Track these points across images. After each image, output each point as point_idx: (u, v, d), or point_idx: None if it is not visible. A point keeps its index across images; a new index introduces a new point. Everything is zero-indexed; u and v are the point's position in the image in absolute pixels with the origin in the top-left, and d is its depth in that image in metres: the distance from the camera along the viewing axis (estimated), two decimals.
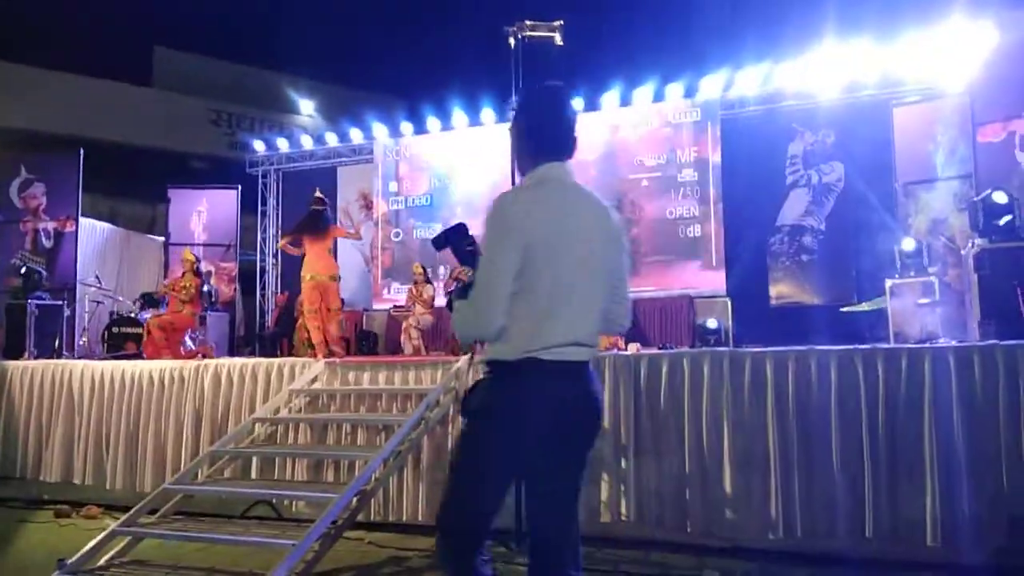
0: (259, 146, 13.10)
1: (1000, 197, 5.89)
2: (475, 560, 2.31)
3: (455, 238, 2.50)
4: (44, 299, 9.39)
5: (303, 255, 7.19)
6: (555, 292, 2.21)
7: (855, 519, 4.55)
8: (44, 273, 9.71)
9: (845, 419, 4.67)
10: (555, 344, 2.21)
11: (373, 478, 5.06)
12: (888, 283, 6.94)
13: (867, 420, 4.62)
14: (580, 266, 2.25)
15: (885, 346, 4.97)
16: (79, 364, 6.76)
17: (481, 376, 2.35)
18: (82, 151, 10.82)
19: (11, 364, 7.11)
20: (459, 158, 11.57)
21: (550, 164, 2.34)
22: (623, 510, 5.03)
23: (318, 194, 7.49)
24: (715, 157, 10.10)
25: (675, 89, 10.45)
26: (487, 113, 11.30)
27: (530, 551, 2.43)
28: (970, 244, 6.20)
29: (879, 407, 4.62)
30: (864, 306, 7.85)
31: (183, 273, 8.54)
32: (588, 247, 2.27)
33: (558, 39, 5.54)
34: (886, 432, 4.58)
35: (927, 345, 4.90)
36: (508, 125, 2.57)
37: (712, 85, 10.20)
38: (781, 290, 9.67)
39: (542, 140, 2.37)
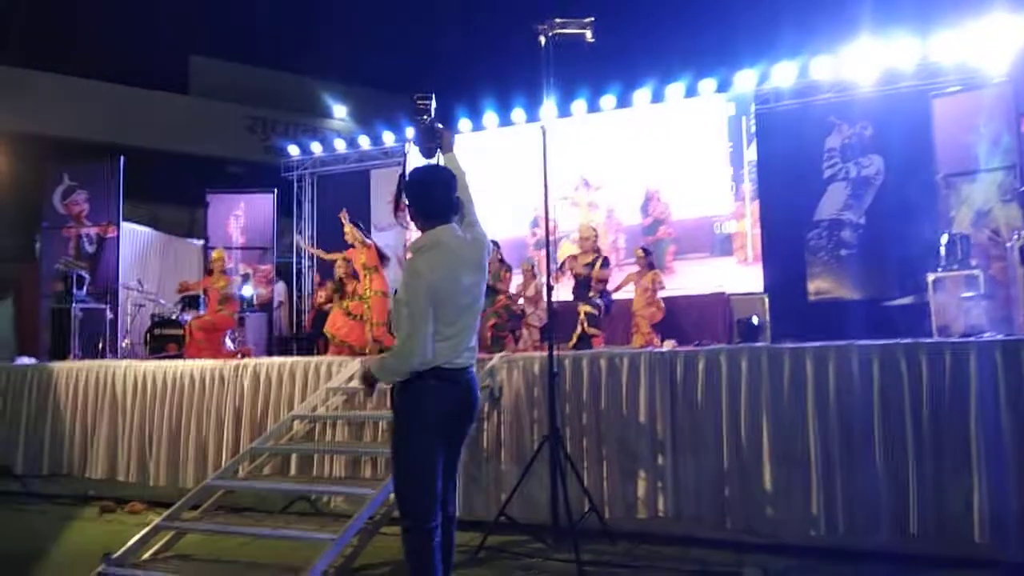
0: (293, 150, 13.27)
1: None
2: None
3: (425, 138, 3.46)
4: (88, 303, 9.62)
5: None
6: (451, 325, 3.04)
7: (899, 515, 4.47)
8: (87, 278, 9.94)
9: (888, 415, 4.58)
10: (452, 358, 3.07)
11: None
12: (930, 277, 6.80)
13: (911, 415, 4.53)
14: (466, 307, 3.10)
15: (928, 340, 4.86)
16: (122, 365, 6.91)
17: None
18: (122, 158, 11.05)
19: (57, 365, 7.29)
20: (490, 157, 11.57)
21: (441, 227, 3.09)
22: (660, 506, 4.99)
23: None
24: (750, 152, 9.98)
25: (708, 84, 10.35)
26: (518, 113, 11.30)
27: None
28: (1016, 236, 6.05)
29: (923, 402, 4.52)
30: (907, 299, 7.68)
31: (212, 272, 8.71)
32: (471, 292, 3.12)
33: (589, 36, 5.49)
34: (930, 427, 4.48)
35: (972, 339, 4.79)
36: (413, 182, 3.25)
37: (746, 79, 10.09)
38: (820, 285, 9.52)
39: (432, 210, 3.13)
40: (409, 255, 3.15)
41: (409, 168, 3.59)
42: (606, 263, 7.99)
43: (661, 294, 8.61)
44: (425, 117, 3.73)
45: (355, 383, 3.10)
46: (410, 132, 11.84)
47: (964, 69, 8.86)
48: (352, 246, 7.77)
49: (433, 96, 3.75)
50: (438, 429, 3.07)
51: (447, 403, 3.06)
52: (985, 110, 8.20)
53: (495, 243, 8.02)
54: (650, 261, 8.77)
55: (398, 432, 3.12)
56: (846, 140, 9.60)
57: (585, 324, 7.59)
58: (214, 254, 9.10)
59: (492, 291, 7.95)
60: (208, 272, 9.06)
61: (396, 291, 3.23)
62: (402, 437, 3.10)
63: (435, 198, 3.14)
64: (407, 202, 3.24)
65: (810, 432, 4.71)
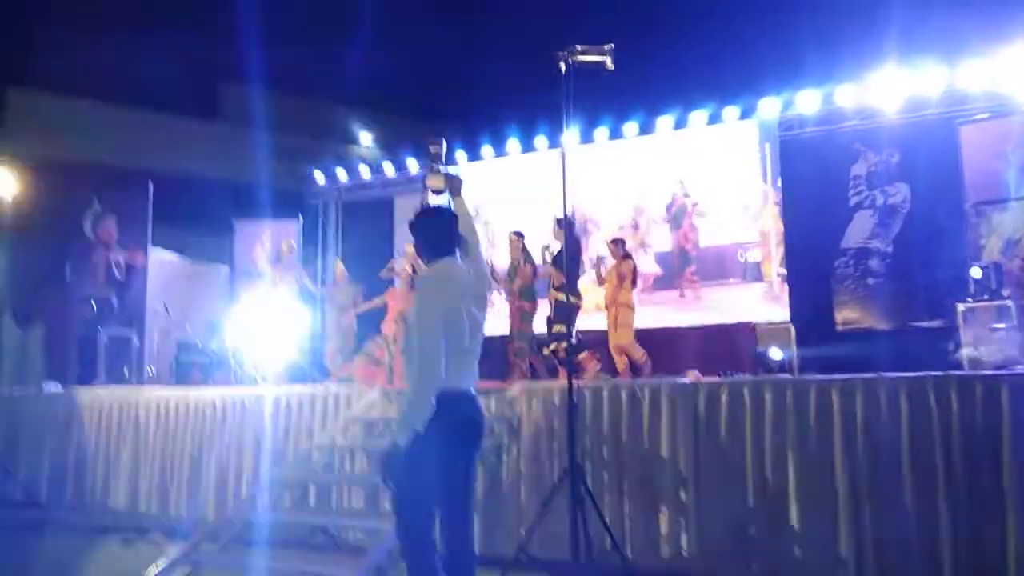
0: (319, 177, 13.40)
1: None
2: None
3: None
4: (115, 329, 9.73)
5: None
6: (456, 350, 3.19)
7: (932, 558, 4.33)
8: (116, 304, 10.06)
9: (917, 451, 4.47)
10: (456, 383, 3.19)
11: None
12: (960, 307, 6.65)
13: (941, 452, 4.41)
14: (471, 332, 3.26)
15: (959, 373, 4.74)
16: (145, 392, 6.96)
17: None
18: (151, 184, 11.21)
19: (81, 393, 7.36)
20: (512, 184, 11.59)
21: (446, 259, 3.32)
22: (684, 544, 4.89)
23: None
24: (775, 179, 9.89)
25: (732, 111, 10.31)
26: (540, 140, 11.33)
27: None
28: None
29: (953, 438, 4.40)
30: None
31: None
32: (475, 320, 3.29)
33: (609, 63, 5.47)
34: (962, 464, 4.36)
35: (1004, 372, 4.66)
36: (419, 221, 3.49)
37: (770, 106, 10.03)
38: (847, 315, 9.36)
39: (436, 246, 3.36)
40: (417, 285, 3.47)
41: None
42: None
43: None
44: (437, 165, 3.92)
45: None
46: (412, 164, 11.97)
47: (992, 96, 8.74)
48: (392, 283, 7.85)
49: (444, 141, 3.95)
50: (442, 453, 3.10)
51: (452, 426, 3.12)
52: (1014, 137, 8.08)
53: (519, 233, 7.96)
54: (625, 252, 8.11)
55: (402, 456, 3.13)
56: (872, 168, 9.48)
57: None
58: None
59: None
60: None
61: (407, 318, 3.36)
62: (405, 461, 3.08)
63: (439, 234, 3.39)
64: (414, 238, 3.50)
65: (837, 469, 4.60)
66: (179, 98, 18.06)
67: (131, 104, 17.39)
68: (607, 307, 7.77)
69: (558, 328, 7.11)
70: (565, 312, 6.98)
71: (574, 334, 6.89)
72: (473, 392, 3.31)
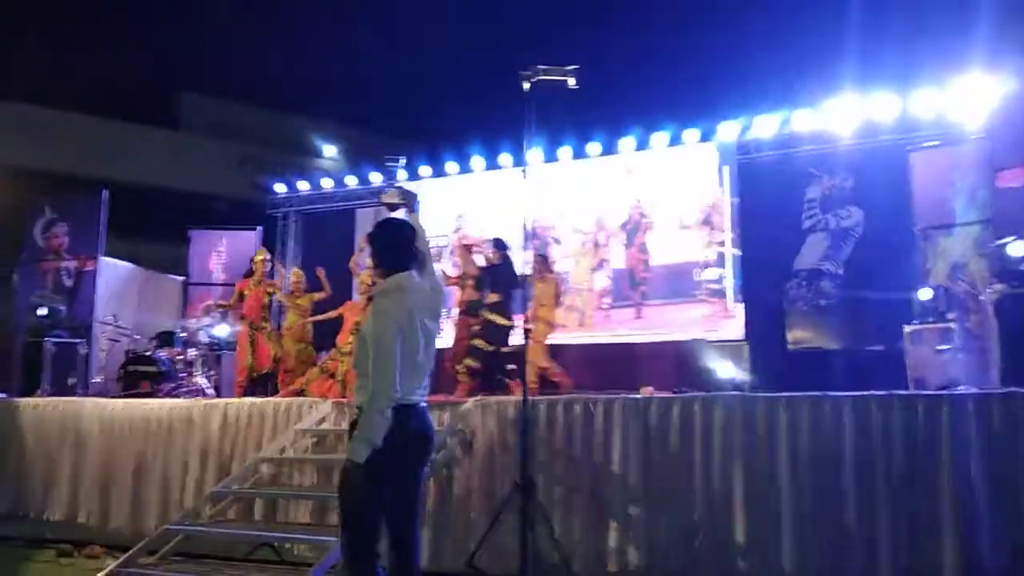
0: (280, 188, 13.26)
1: (1016, 249, 5.81)
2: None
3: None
4: (62, 337, 9.48)
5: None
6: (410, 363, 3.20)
7: (872, 571, 4.38)
8: (63, 311, 9.82)
9: (861, 468, 4.54)
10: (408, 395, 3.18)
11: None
12: (906, 329, 6.80)
13: (883, 469, 4.49)
14: (425, 347, 3.28)
15: (902, 392, 4.83)
16: (88, 402, 6.79)
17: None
18: (106, 192, 11.01)
19: (22, 402, 7.15)
20: (477, 200, 11.63)
21: (403, 274, 3.31)
22: (631, 558, 4.89)
23: None
24: (731, 201, 10.05)
25: (692, 134, 10.46)
26: (505, 157, 11.37)
27: None
28: (990, 290, 6.07)
29: (896, 456, 4.48)
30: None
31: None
32: (428, 334, 3.31)
33: (571, 83, 5.56)
34: (903, 481, 4.44)
35: (945, 392, 4.76)
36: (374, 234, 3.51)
37: (729, 130, 10.20)
38: (799, 335, 9.50)
39: (394, 259, 3.36)
40: (375, 298, 3.34)
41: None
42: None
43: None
44: (394, 183, 4.06)
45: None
46: (377, 177, 11.94)
47: (941, 124, 8.98)
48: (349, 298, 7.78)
49: (401, 159, 4.11)
50: (391, 465, 3.11)
51: (403, 438, 3.12)
52: (962, 165, 8.30)
53: (468, 247, 7.97)
54: (547, 268, 8.05)
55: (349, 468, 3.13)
56: (826, 191, 9.67)
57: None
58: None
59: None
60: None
61: (360, 330, 3.34)
62: (353, 473, 3.08)
63: (397, 248, 3.39)
64: (371, 251, 3.50)
65: (783, 484, 4.65)
66: (137, 106, 17.86)
67: (86, 110, 17.13)
68: (526, 322, 7.75)
69: (479, 344, 7.10)
70: (492, 331, 7.04)
71: (499, 352, 7.04)
72: (424, 405, 3.31)
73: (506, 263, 7.37)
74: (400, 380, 3.11)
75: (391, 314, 3.18)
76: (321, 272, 8.59)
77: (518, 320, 7.11)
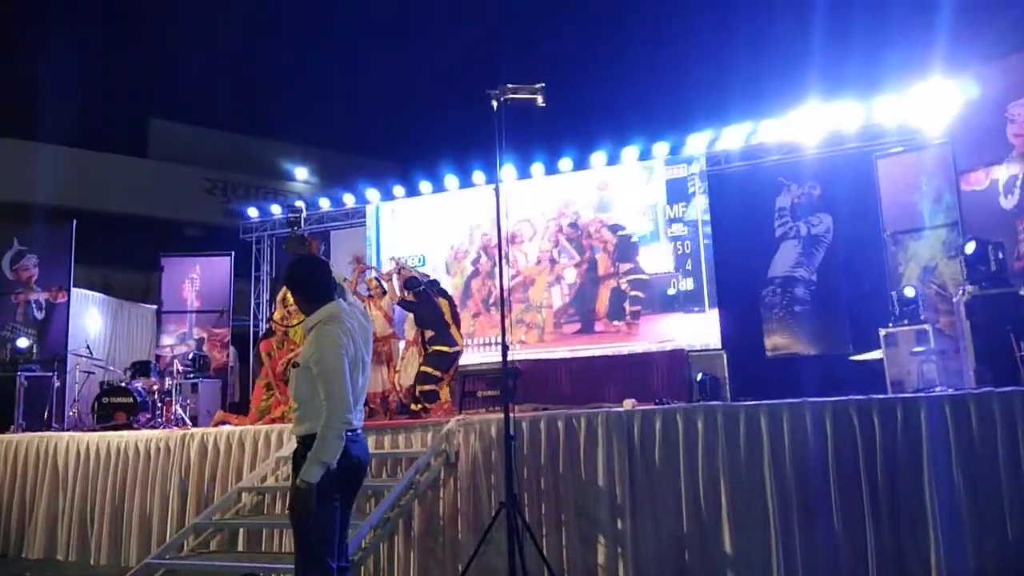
0: (253, 212, 13.18)
1: (969, 248, 5.97)
2: None
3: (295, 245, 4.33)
4: (34, 371, 9.31)
5: None
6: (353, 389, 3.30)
7: (859, 575, 4.41)
8: (35, 345, 9.65)
9: (843, 472, 4.58)
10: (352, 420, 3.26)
11: (362, 546, 4.92)
12: (882, 332, 6.90)
13: (866, 473, 4.53)
14: (363, 372, 3.40)
15: (880, 396, 4.89)
16: (64, 436, 6.66)
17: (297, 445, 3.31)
18: (75, 222, 10.87)
19: None
20: (449, 219, 11.65)
21: (332, 303, 3.40)
22: (621, 573, 4.88)
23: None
24: (704, 212, 10.15)
25: (662, 147, 10.57)
26: (477, 175, 11.40)
27: None
28: (961, 291, 6.19)
29: (877, 459, 4.53)
30: (873, 354, 7.71)
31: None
32: (364, 359, 3.42)
33: (540, 101, 5.58)
34: (885, 484, 4.48)
35: (922, 394, 4.83)
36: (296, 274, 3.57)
37: (698, 142, 10.33)
38: (776, 341, 9.61)
39: (318, 293, 3.44)
40: (315, 328, 3.37)
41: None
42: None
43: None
44: (296, 228, 4.83)
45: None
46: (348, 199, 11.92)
47: (905, 130, 9.17)
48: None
49: (303, 210, 4.63)
50: (340, 485, 3.25)
51: (346, 460, 3.21)
52: (927, 170, 8.47)
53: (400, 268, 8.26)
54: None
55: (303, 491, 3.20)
56: (796, 200, 9.82)
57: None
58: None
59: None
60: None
61: (296, 363, 3.39)
62: (308, 493, 3.14)
63: (318, 282, 3.48)
64: (293, 291, 3.57)
65: (768, 491, 4.67)
66: (104, 134, 17.68)
67: (52, 140, 16.92)
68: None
69: (429, 370, 7.33)
70: (434, 358, 7.37)
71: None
72: (361, 431, 3.41)
73: (423, 299, 7.56)
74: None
75: (340, 341, 3.25)
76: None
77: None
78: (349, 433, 3.22)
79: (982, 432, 4.38)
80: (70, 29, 16.89)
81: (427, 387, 7.26)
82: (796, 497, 4.61)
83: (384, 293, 8.23)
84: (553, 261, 10.90)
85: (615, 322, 10.34)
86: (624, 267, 10.47)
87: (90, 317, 11.69)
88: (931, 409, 4.49)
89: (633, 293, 10.32)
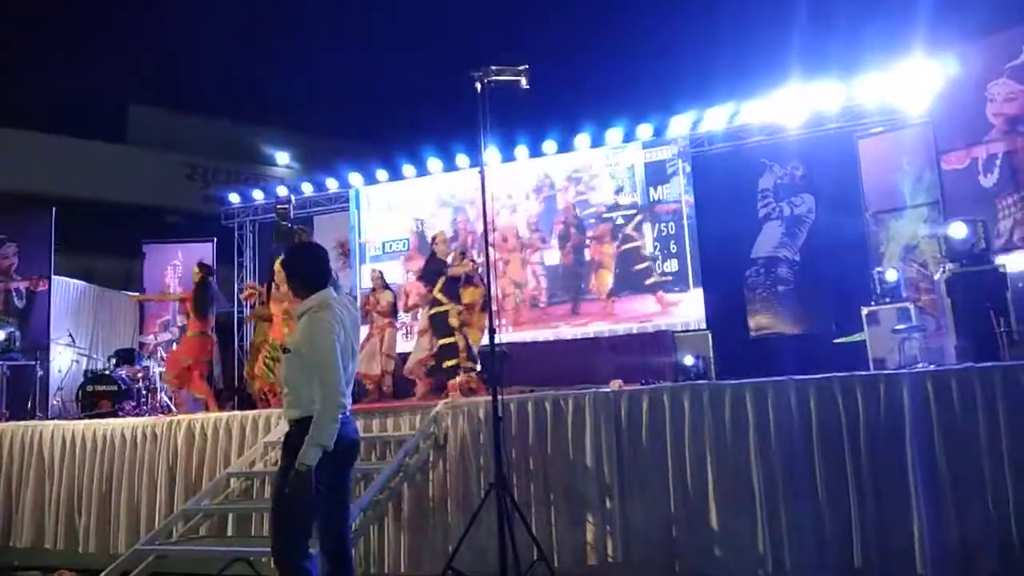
0: (234, 198, 13.07)
1: (958, 230, 6.01)
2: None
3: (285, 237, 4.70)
4: (17, 360, 9.23)
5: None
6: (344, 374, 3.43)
7: (844, 550, 4.49)
8: (17, 333, 9.56)
9: (827, 449, 4.64)
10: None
11: (352, 529, 4.93)
12: (864, 310, 6.97)
13: (850, 449, 4.59)
14: (352, 356, 3.54)
15: (863, 373, 4.95)
16: (49, 425, 6.62)
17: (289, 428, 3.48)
18: (55, 210, 10.74)
19: None
20: (434, 202, 11.62)
21: (323, 291, 3.53)
22: (610, 551, 4.93)
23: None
24: (687, 194, 10.19)
25: (645, 129, 10.58)
26: (461, 158, 11.37)
27: None
28: (942, 269, 6.27)
29: (860, 435, 4.59)
30: (857, 336, 7.80)
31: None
32: (353, 345, 3.57)
33: (524, 83, 5.56)
34: (869, 460, 4.55)
35: (904, 371, 4.90)
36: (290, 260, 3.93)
37: (681, 124, 10.34)
38: (760, 321, 9.70)
39: (311, 280, 3.57)
40: (306, 314, 3.49)
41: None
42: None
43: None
44: (284, 223, 4.79)
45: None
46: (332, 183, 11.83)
47: (886, 110, 9.22)
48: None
49: (291, 202, 5.08)
50: (336, 465, 3.39)
51: (340, 443, 3.34)
52: (908, 149, 8.55)
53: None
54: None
55: (288, 472, 3.31)
56: (778, 180, 9.88)
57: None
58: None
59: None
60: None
61: (287, 349, 3.53)
62: (305, 477, 3.25)
63: (313, 269, 3.61)
64: (289, 277, 3.72)
65: (753, 469, 4.73)
66: (82, 121, 17.41)
67: (30, 127, 16.65)
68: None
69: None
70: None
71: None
72: (350, 413, 3.53)
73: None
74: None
75: (332, 327, 3.38)
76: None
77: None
78: (340, 415, 3.33)
79: (963, 407, 4.45)
80: (45, 13, 16.61)
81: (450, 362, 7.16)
82: (781, 474, 4.67)
83: (386, 286, 8.31)
84: (542, 241, 10.91)
85: (599, 302, 10.38)
86: (607, 248, 10.50)
87: (70, 305, 11.57)
88: (913, 385, 4.55)
89: (616, 273, 10.36)
